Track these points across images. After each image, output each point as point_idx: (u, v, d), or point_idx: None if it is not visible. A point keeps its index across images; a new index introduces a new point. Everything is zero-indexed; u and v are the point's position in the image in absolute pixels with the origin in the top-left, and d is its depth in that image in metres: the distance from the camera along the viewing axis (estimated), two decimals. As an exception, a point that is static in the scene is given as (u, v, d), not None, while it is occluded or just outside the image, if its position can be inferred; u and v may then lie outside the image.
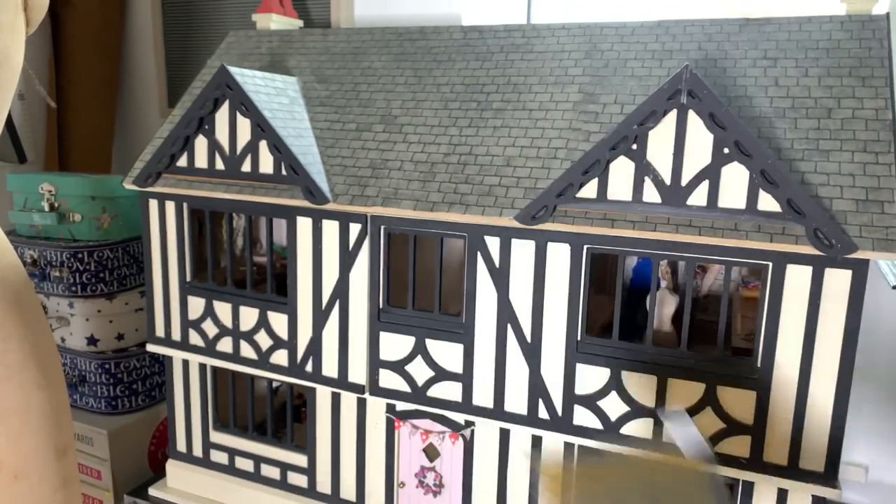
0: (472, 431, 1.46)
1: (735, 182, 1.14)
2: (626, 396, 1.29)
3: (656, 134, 1.17)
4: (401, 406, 1.51)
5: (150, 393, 2.07)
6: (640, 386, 1.27)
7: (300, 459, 1.67)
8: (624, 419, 1.30)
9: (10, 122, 2.30)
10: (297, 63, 1.75)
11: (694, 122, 1.14)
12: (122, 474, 1.98)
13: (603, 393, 1.30)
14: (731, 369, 1.21)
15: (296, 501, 1.68)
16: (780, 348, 1.17)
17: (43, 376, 1.41)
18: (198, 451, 1.81)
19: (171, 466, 1.85)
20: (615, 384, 1.29)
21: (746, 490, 1.26)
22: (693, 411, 1.24)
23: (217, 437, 1.78)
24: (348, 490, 1.62)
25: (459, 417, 1.45)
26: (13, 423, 1.18)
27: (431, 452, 1.53)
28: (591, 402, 1.31)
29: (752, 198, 1.13)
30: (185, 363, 1.75)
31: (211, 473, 1.79)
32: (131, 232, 2.00)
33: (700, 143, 1.15)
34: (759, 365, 1.19)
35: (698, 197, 1.17)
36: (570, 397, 1.33)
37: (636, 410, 1.28)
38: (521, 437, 1.41)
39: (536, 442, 1.40)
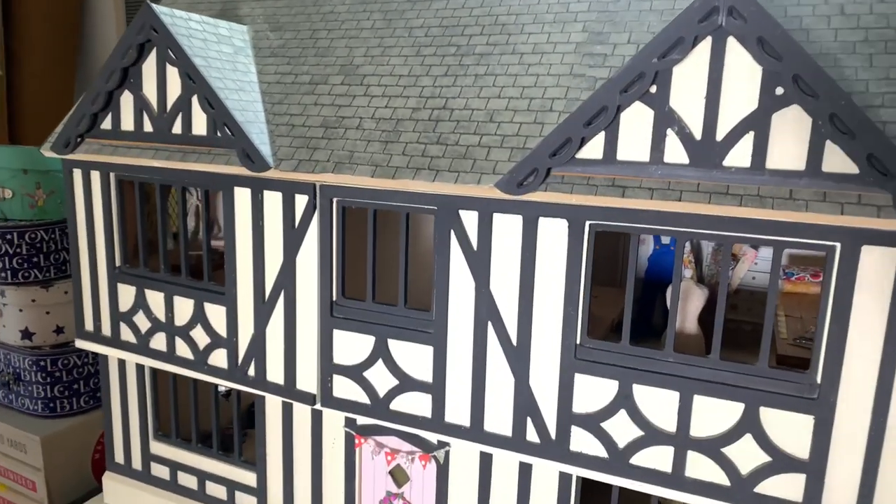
0: (447, 453, 1.18)
1: (791, 134, 0.84)
2: (638, 417, 0.99)
3: (683, 70, 0.87)
4: (363, 419, 1.23)
5: (94, 394, 1.82)
6: (658, 404, 0.98)
7: (249, 478, 1.41)
8: (635, 446, 1.00)
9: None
10: (251, 10, 1.47)
11: (735, 51, 0.84)
12: (60, 486, 1.74)
13: (609, 412, 1.01)
14: (780, 386, 0.91)
15: (245, 527, 1.42)
16: (849, 360, 0.87)
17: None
18: (137, 463, 1.55)
19: (109, 480, 1.60)
20: (625, 401, 1.00)
21: (795, 542, 0.96)
22: (727, 439, 0.95)
23: (158, 448, 1.52)
24: (304, 517, 1.36)
25: (431, 435, 1.18)
26: None
27: (399, 476, 1.26)
28: (593, 423, 1.03)
29: (816, 155, 0.83)
30: (122, 362, 1.49)
31: (151, 490, 1.54)
32: (70, 210, 1.74)
33: (744, 80, 0.85)
34: (818, 381, 0.89)
35: (739, 155, 0.87)
36: (567, 416, 1.04)
37: (652, 436, 0.99)
38: (505, 463, 1.13)
39: (525, 471, 1.12)
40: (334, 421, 1.27)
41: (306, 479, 1.33)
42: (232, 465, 1.43)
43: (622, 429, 1.01)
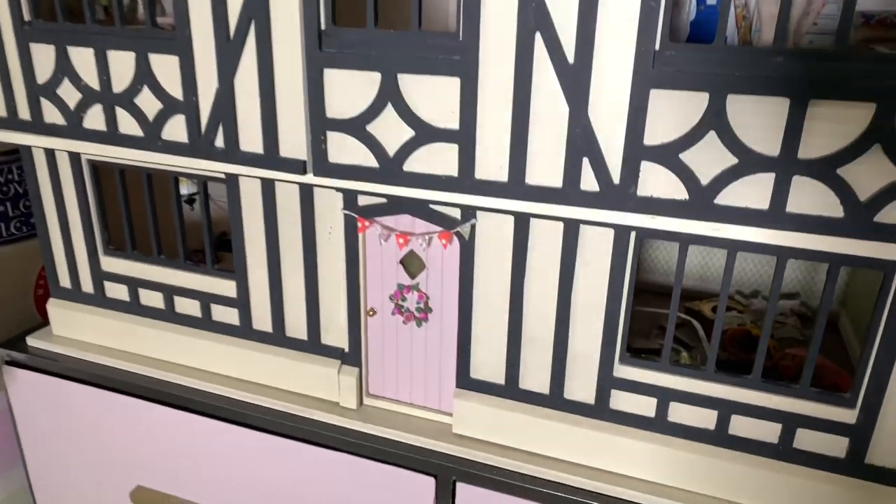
0: (473, 227, 0.97)
1: None
2: (730, 139, 0.79)
3: None
4: (365, 198, 1.00)
5: (27, 220, 1.53)
6: (758, 119, 0.77)
7: (227, 287, 1.18)
8: (724, 179, 0.80)
9: None
10: None
11: None
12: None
13: (692, 138, 0.80)
14: None
15: (225, 344, 1.21)
16: None
17: None
18: (87, 285, 1.31)
19: (54, 307, 1.35)
20: (715, 119, 0.78)
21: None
22: (850, 154, 0.75)
23: (111, 264, 1.27)
24: (296, 325, 1.15)
25: (453, 209, 0.96)
26: None
27: (413, 264, 1.05)
28: (669, 155, 0.81)
29: None
30: (51, 154, 1.20)
31: (108, 314, 1.30)
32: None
33: None
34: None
35: None
36: (637, 151, 0.82)
37: (747, 163, 0.79)
38: (547, 230, 0.92)
39: (571, 234, 0.91)
40: (329, 203, 1.03)
41: (298, 282, 1.11)
42: (205, 274, 1.19)
43: (708, 158, 0.80)
